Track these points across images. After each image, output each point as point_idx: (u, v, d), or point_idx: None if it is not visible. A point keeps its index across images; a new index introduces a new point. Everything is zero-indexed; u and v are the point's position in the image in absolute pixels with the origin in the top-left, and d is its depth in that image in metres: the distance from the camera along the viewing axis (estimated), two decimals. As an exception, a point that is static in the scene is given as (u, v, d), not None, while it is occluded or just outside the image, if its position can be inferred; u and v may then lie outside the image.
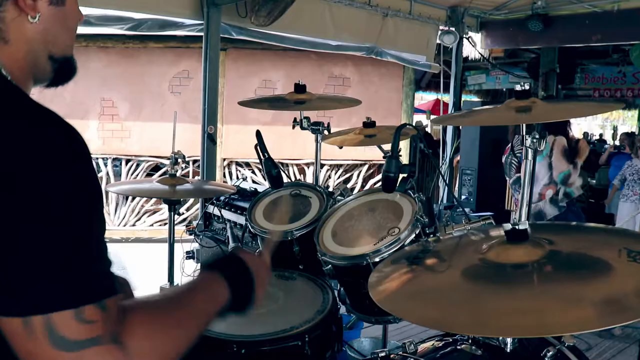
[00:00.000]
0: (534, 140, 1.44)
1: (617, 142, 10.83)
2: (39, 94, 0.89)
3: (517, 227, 1.15)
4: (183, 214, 7.11)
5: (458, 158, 6.17)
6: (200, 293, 0.94)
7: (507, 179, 4.63)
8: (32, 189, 0.69)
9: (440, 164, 5.94)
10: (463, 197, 5.97)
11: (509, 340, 1.40)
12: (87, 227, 0.74)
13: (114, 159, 7.12)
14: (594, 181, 7.81)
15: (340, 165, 7.61)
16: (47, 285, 0.69)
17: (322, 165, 6.76)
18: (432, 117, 12.79)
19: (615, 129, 15.03)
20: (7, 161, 0.69)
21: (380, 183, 1.64)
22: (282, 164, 7.08)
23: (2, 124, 0.72)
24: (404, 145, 7.52)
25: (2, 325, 0.70)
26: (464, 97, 7.65)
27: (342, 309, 1.84)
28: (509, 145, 4.41)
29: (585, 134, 13.86)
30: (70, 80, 0.94)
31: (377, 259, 1.63)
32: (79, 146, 0.75)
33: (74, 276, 0.71)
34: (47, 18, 0.84)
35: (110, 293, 0.74)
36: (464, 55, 6.38)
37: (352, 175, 7.68)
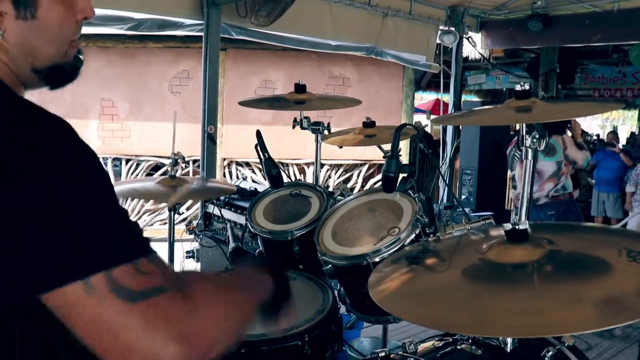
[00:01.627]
0: (534, 140, 1.44)
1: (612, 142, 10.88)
2: (38, 94, 0.89)
3: (517, 227, 1.15)
4: (183, 213, 7.12)
5: (458, 162, 6.19)
6: (257, 283, 0.97)
7: (510, 171, 4.76)
8: (68, 165, 0.72)
9: (440, 164, 5.93)
10: (463, 197, 5.96)
11: (509, 340, 1.40)
12: (117, 206, 0.76)
13: (114, 159, 7.12)
14: (594, 181, 7.82)
15: (340, 165, 7.61)
16: (100, 244, 0.70)
17: (322, 165, 6.75)
18: (432, 117, 12.79)
19: (615, 128, 15.04)
20: (7, 168, 0.69)
21: (380, 183, 1.64)
22: (282, 163, 7.09)
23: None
24: (404, 145, 7.51)
25: (57, 302, 0.69)
26: (464, 97, 7.65)
27: (342, 309, 1.84)
28: (515, 138, 4.48)
29: (584, 133, 13.88)
30: (67, 84, 0.92)
31: (377, 259, 1.63)
32: (77, 142, 0.77)
33: (122, 234, 0.73)
34: (17, 33, 0.81)
35: (152, 250, 0.75)
36: (464, 55, 6.38)
37: (352, 175, 7.69)
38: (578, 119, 4.82)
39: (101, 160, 5.54)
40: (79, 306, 0.68)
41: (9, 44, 0.82)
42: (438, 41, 5.88)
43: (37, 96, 0.78)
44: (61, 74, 0.90)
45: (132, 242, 0.74)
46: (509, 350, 1.39)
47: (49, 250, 0.68)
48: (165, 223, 6.49)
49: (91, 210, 0.71)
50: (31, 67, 0.85)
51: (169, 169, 2.59)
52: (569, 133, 4.48)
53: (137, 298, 0.69)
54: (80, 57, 0.93)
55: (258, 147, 2.06)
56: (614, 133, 10.24)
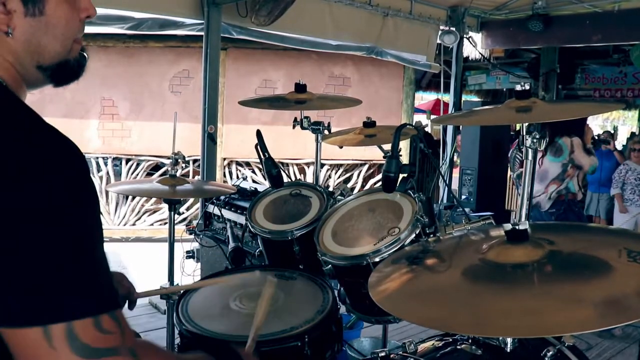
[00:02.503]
0: (534, 140, 1.44)
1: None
2: (39, 93, 0.89)
3: (517, 227, 1.15)
4: (183, 213, 7.12)
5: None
6: None
7: (511, 173, 4.78)
8: (37, 196, 0.69)
9: (440, 164, 5.94)
10: (463, 197, 5.96)
11: (509, 340, 1.39)
12: (91, 234, 0.75)
13: (114, 159, 7.12)
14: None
15: (341, 165, 7.61)
16: (67, 294, 0.70)
17: (322, 165, 6.75)
18: (432, 117, 12.79)
19: (615, 129, 15.02)
20: (7, 168, 0.69)
21: (380, 183, 1.64)
22: (282, 163, 7.09)
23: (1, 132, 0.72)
24: (404, 145, 7.52)
25: (13, 339, 0.69)
26: (464, 97, 7.65)
27: (342, 309, 1.84)
28: (517, 139, 4.47)
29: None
30: (73, 81, 0.93)
31: (377, 259, 1.63)
32: (73, 155, 0.76)
33: (91, 285, 0.72)
34: (26, 30, 0.82)
35: (118, 305, 0.75)
36: (464, 55, 6.38)
37: (352, 175, 7.69)
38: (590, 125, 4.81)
39: (101, 160, 5.50)
40: (33, 348, 0.69)
41: (16, 43, 0.82)
42: (438, 41, 5.88)
43: (38, 95, 0.78)
44: (67, 70, 0.90)
45: (101, 295, 0.73)
46: (509, 350, 1.39)
47: (20, 289, 0.68)
48: (165, 223, 6.50)
49: (69, 257, 0.71)
50: (37, 64, 0.85)
51: (169, 168, 2.59)
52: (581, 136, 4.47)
53: (89, 355, 0.70)
54: (85, 54, 0.93)
55: (258, 147, 2.06)
56: (608, 132, 10.22)
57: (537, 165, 4.40)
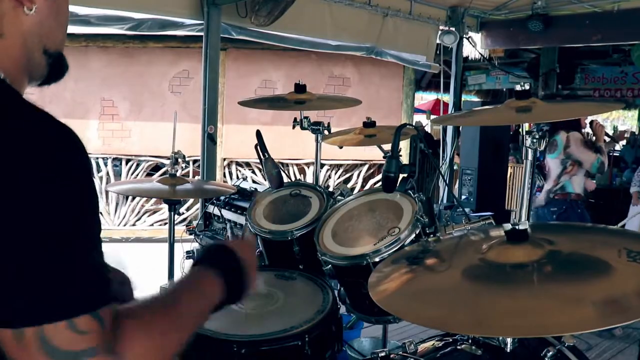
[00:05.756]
0: (534, 140, 1.44)
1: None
2: (39, 93, 0.89)
3: (517, 227, 1.15)
4: (183, 213, 7.12)
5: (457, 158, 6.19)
6: (194, 291, 0.93)
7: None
8: (25, 196, 0.67)
9: (440, 164, 5.94)
10: (463, 197, 5.96)
11: (509, 340, 1.39)
12: (82, 233, 0.72)
13: (114, 159, 7.11)
14: (594, 181, 7.81)
15: (341, 165, 7.61)
16: (38, 296, 0.67)
17: (322, 165, 6.75)
18: (432, 117, 12.78)
19: (615, 128, 15.02)
20: (2, 167, 0.67)
21: (380, 183, 1.64)
22: (282, 164, 7.08)
23: (2, 132, 0.70)
24: (404, 145, 7.52)
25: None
26: (464, 97, 7.65)
27: (342, 309, 1.84)
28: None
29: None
30: (62, 77, 0.92)
31: (377, 259, 1.64)
32: (77, 152, 0.74)
33: (66, 286, 0.69)
34: (43, 10, 0.82)
35: (105, 302, 0.72)
36: (464, 55, 6.38)
37: (352, 175, 7.68)
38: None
39: (101, 160, 5.49)
40: (10, 347, 0.68)
41: (32, 22, 0.82)
42: (438, 41, 5.88)
43: (38, 95, 0.78)
44: (62, 64, 0.90)
45: (79, 296, 0.70)
46: (509, 350, 1.39)
47: None
48: (165, 223, 6.50)
49: (43, 257, 0.68)
50: (44, 48, 0.85)
51: (169, 168, 2.59)
52: (586, 132, 4.32)
53: (64, 358, 0.68)
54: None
55: (258, 147, 2.07)
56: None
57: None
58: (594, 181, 4.52)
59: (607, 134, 5.31)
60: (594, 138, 4.31)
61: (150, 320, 0.79)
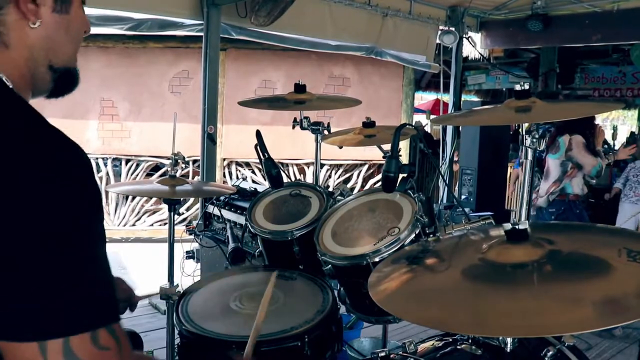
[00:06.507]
0: (534, 140, 1.44)
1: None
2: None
3: (517, 227, 1.15)
4: (183, 213, 7.12)
5: (457, 165, 6.20)
6: None
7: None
8: (25, 196, 0.67)
9: (440, 164, 5.94)
10: (463, 197, 5.96)
11: (509, 340, 1.39)
12: (95, 245, 0.73)
13: (113, 159, 7.12)
14: (594, 181, 7.80)
15: (340, 165, 7.61)
16: (64, 308, 0.68)
17: (322, 165, 6.76)
18: (432, 117, 12.78)
19: (615, 128, 15.01)
20: (11, 176, 0.67)
21: (380, 183, 1.64)
22: (282, 164, 7.08)
23: (5, 134, 0.70)
24: (404, 145, 7.52)
25: (9, 353, 0.68)
26: (464, 97, 7.66)
27: (342, 309, 1.84)
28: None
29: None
30: (70, 93, 0.92)
31: (377, 259, 1.63)
32: (77, 152, 0.74)
33: (89, 299, 0.70)
34: (50, 25, 0.82)
35: (116, 317, 0.73)
36: (464, 55, 6.38)
37: (352, 175, 7.69)
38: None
39: (101, 160, 5.51)
40: None
41: (37, 36, 0.81)
42: (438, 41, 5.88)
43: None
44: (69, 78, 0.90)
45: (99, 308, 0.71)
46: (509, 350, 1.39)
47: (17, 302, 0.66)
48: (165, 223, 6.50)
49: (66, 270, 0.69)
50: (49, 63, 0.85)
51: (169, 168, 2.59)
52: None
53: None
54: (78, 70, 0.94)
55: (258, 147, 2.06)
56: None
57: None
58: (592, 183, 4.59)
59: (608, 144, 5.33)
60: (597, 138, 4.36)
61: None
